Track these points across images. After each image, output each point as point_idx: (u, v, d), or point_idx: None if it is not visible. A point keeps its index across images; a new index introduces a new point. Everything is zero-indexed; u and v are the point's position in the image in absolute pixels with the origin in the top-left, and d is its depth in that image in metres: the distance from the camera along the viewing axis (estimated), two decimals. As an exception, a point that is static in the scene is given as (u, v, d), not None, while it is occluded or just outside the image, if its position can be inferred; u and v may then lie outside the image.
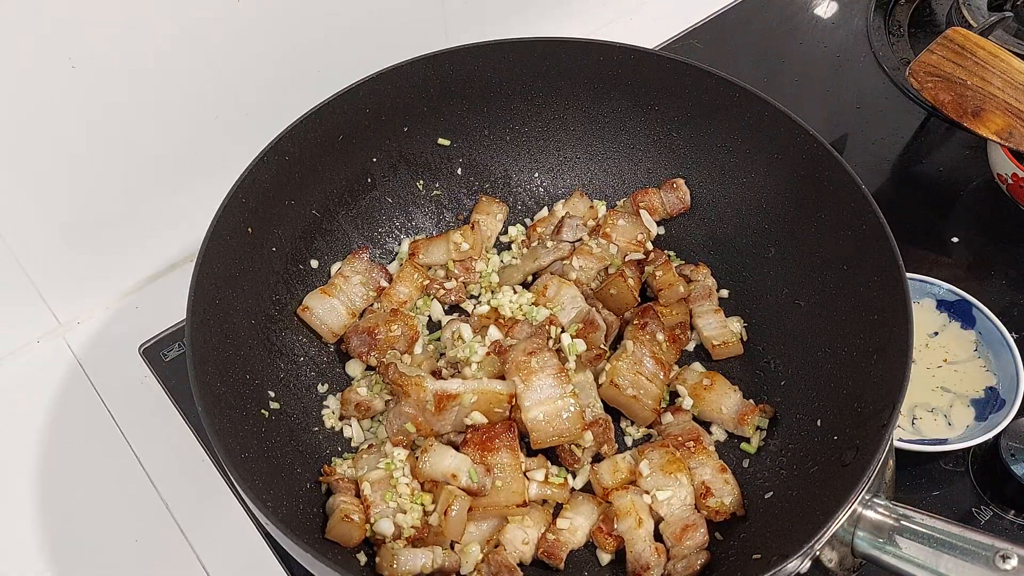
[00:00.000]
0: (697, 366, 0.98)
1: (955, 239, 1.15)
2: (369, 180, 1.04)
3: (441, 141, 1.07)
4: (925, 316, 1.02)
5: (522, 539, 0.84)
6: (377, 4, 1.10)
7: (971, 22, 1.32)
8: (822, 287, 0.93)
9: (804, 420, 0.89)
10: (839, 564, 0.74)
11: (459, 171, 1.09)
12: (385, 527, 0.81)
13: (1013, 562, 0.66)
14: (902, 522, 0.71)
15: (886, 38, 1.39)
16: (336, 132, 0.98)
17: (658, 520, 0.85)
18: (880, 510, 0.72)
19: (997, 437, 0.91)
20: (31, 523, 0.95)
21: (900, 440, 0.92)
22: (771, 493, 0.87)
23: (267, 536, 0.92)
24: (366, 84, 0.98)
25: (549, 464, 0.90)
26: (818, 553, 0.72)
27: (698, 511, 0.85)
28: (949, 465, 0.95)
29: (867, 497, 0.72)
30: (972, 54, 1.11)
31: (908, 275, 1.02)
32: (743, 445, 0.92)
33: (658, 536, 0.85)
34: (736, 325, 0.99)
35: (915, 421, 0.96)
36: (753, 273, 1.01)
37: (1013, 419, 0.91)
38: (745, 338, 0.99)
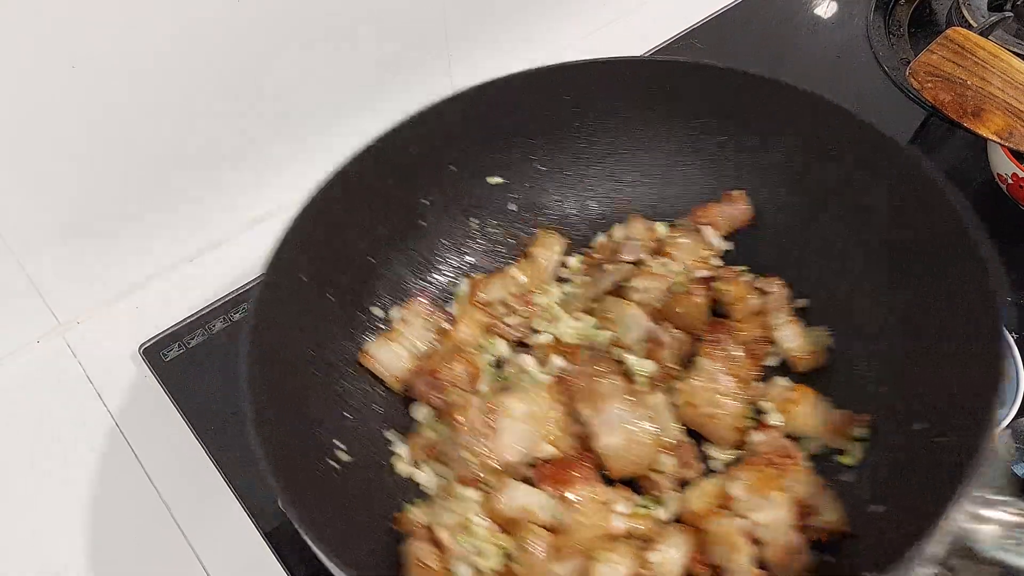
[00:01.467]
0: (782, 380, 0.93)
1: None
2: (422, 223, 1.01)
3: (490, 180, 1.04)
4: (925, 316, 1.02)
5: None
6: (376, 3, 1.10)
7: (971, 22, 1.32)
8: (904, 281, 0.89)
9: (902, 424, 0.84)
10: (963, 572, 0.68)
11: (512, 207, 1.06)
12: (463, 572, 0.78)
13: None
14: None
15: (886, 38, 1.39)
16: (384, 175, 0.96)
17: (757, 544, 0.79)
18: (1001, 506, 0.67)
19: (997, 437, 0.91)
20: (30, 523, 0.95)
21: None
22: (878, 507, 0.80)
23: (267, 536, 0.92)
24: (408, 125, 0.95)
25: (633, 494, 0.85)
26: (938, 559, 0.66)
27: (800, 531, 0.80)
28: (949, 465, 0.95)
29: (983, 495, 0.67)
30: (972, 54, 1.11)
31: (908, 275, 1.02)
32: (840, 458, 0.86)
33: (760, 563, 0.79)
34: (818, 334, 0.95)
35: (915, 421, 0.96)
36: (831, 278, 0.97)
37: (1013, 419, 0.91)
38: (831, 346, 0.94)
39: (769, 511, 0.79)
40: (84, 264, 1.07)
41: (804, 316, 0.97)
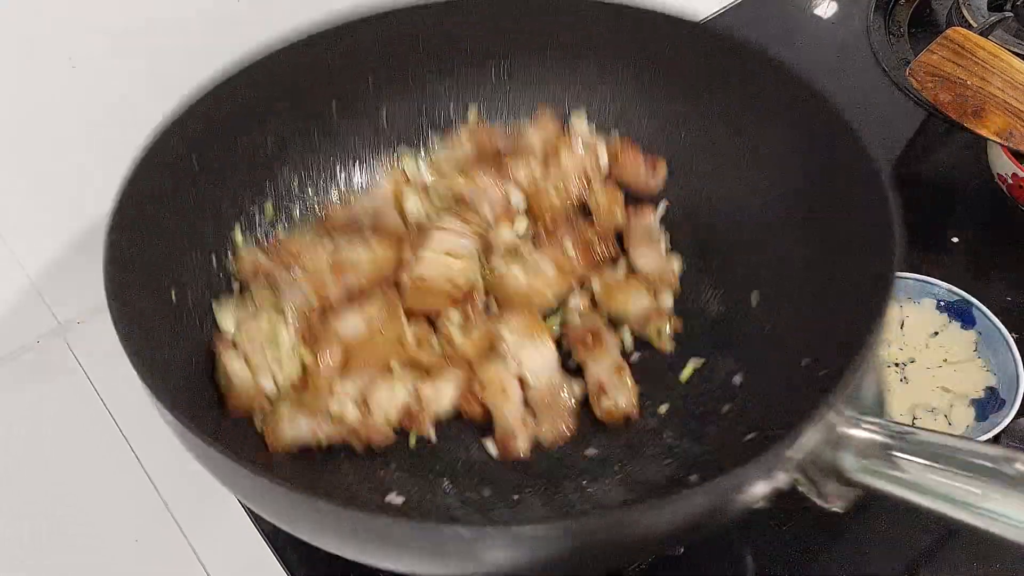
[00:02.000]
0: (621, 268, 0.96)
1: (955, 239, 1.15)
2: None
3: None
4: (925, 316, 1.02)
5: (389, 399, 0.81)
6: None
7: (971, 22, 1.32)
8: (800, 207, 0.90)
9: (786, 359, 0.83)
10: (833, 493, 0.65)
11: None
12: (265, 382, 0.81)
13: (1020, 466, 0.58)
14: (899, 440, 0.62)
15: (886, 38, 1.39)
16: (297, 75, 0.94)
17: (524, 387, 0.84)
18: (868, 427, 0.63)
19: (997, 437, 0.91)
20: (30, 523, 0.95)
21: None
22: (743, 423, 0.82)
23: (267, 536, 0.92)
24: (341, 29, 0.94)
25: (430, 330, 0.89)
26: (790, 476, 0.64)
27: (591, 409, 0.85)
28: (949, 465, 0.95)
29: (852, 415, 0.64)
30: (972, 54, 1.11)
31: (908, 275, 1.03)
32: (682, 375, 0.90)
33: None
34: (675, 262, 0.96)
35: (915, 421, 0.96)
36: (733, 211, 0.98)
37: (1013, 419, 0.91)
38: (678, 271, 0.96)
39: (535, 353, 0.84)
40: (84, 264, 1.07)
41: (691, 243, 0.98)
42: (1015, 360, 0.94)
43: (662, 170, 1.03)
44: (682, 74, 1.00)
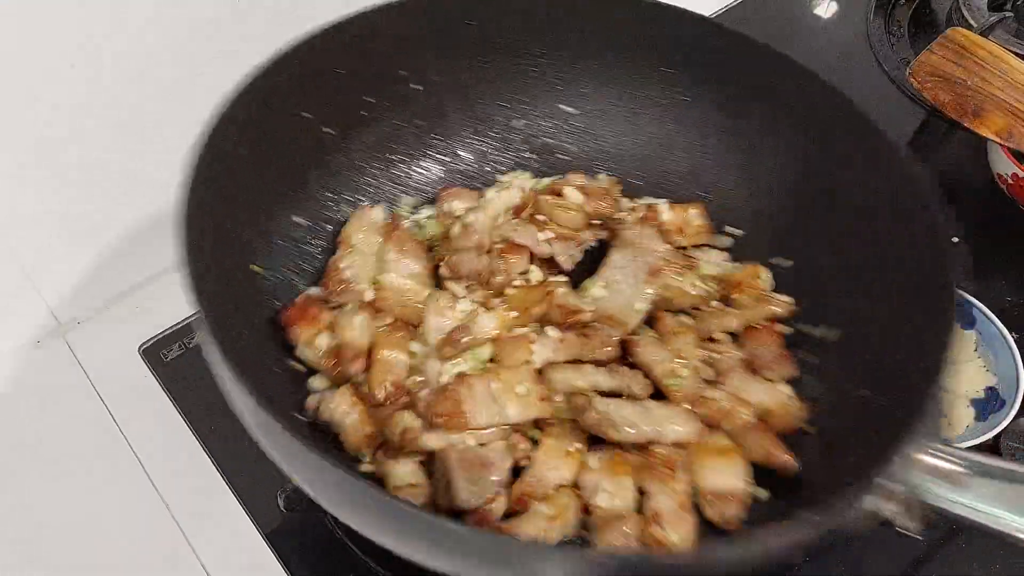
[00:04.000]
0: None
1: (955, 239, 1.15)
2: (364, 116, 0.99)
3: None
4: (925, 316, 1.02)
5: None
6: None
7: (971, 22, 1.32)
8: (858, 249, 0.89)
9: (848, 392, 0.84)
10: (911, 518, 0.67)
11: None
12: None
13: None
14: (973, 466, 0.66)
15: (886, 38, 1.39)
16: (329, 66, 0.93)
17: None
18: (944, 455, 0.66)
19: (997, 437, 0.91)
20: (30, 523, 0.95)
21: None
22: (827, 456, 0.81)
23: (267, 536, 0.92)
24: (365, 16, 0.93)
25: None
26: (879, 509, 0.66)
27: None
28: (949, 465, 0.95)
29: (927, 444, 0.67)
30: (972, 54, 1.11)
31: (908, 275, 1.02)
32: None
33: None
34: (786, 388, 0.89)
35: (915, 421, 0.96)
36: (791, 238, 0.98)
37: (1013, 419, 0.91)
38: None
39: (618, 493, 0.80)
40: (84, 264, 1.07)
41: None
42: (1015, 360, 0.94)
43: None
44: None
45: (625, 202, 1.04)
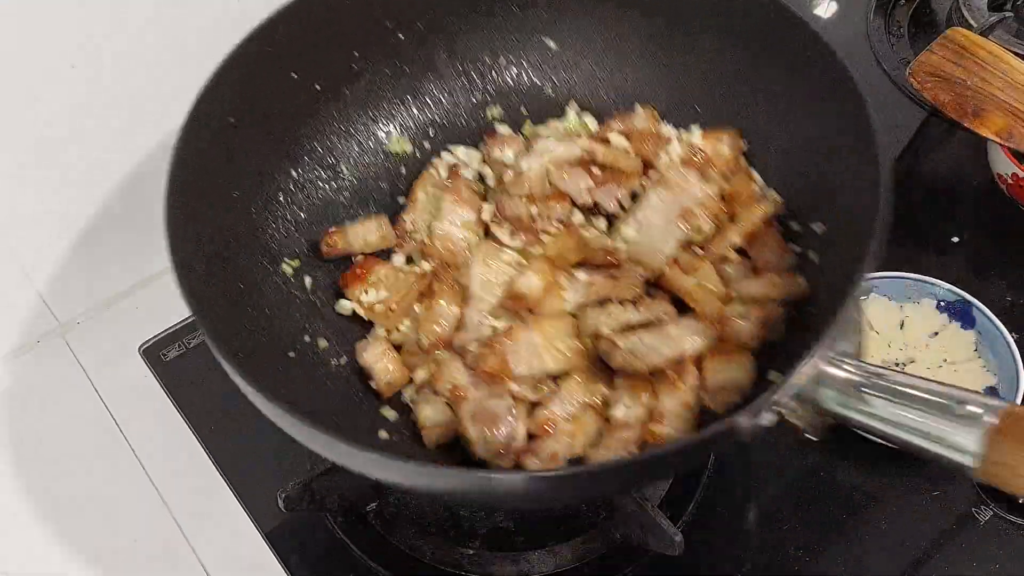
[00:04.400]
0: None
1: (955, 239, 1.15)
2: (354, 68, 1.00)
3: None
4: (925, 316, 1.02)
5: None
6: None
7: (971, 22, 1.32)
8: (810, 170, 0.92)
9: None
10: (808, 423, 0.74)
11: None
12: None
13: (971, 407, 0.67)
14: (869, 379, 0.71)
15: (886, 38, 1.39)
16: (317, 26, 0.94)
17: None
18: (847, 367, 0.72)
19: (997, 437, 0.91)
20: (30, 523, 0.95)
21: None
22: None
23: (267, 536, 0.92)
24: None
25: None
26: (779, 408, 0.71)
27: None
28: (949, 465, 0.95)
29: (831, 355, 0.72)
30: (972, 54, 1.11)
31: (908, 275, 1.03)
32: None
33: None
34: None
35: (915, 421, 0.96)
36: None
37: (1013, 419, 0.91)
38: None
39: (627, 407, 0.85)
40: (84, 264, 1.07)
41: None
42: (1015, 360, 0.94)
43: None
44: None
45: (664, 129, 1.04)
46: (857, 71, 1.30)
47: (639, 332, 0.88)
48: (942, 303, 1.02)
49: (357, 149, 1.03)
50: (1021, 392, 0.92)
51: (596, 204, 0.97)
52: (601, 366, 0.89)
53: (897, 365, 1.00)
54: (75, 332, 1.10)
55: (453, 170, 1.02)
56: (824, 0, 1.46)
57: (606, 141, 1.01)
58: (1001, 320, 0.97)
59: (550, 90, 1.09)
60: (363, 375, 0.88)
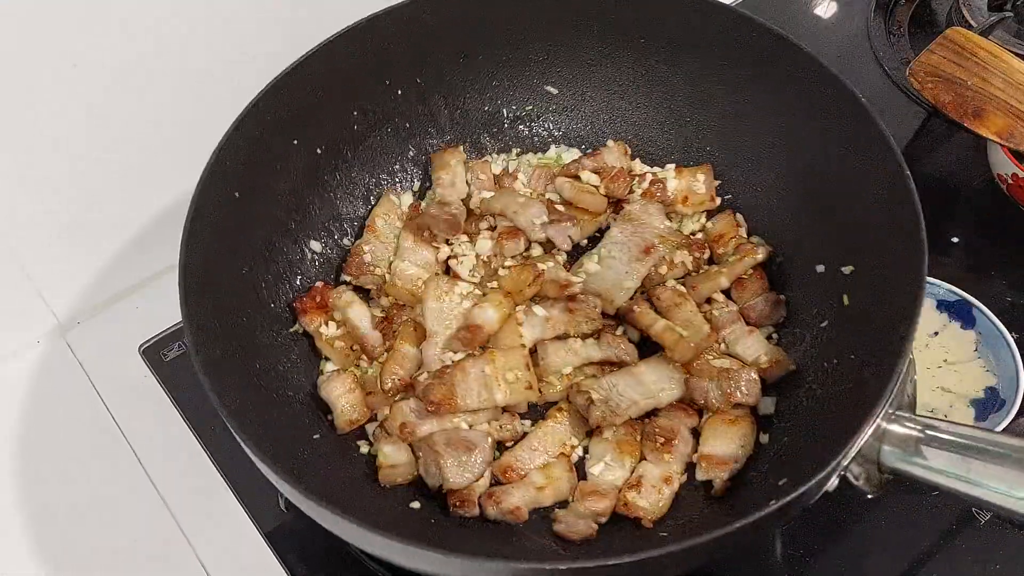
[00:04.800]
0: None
1: (955, 239, 1.15)
2: (355, 132, 1.03)
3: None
4: (925, 316, 1.02)
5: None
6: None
7: (971, 22, 1.32)
8: (825, 208, 0.93)
9: (819, 345, 0.89)
10: (867, 481, 0.73)
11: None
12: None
13: None
14: (928, 432, 0.70)
15: (886, 38, 1.39)
16: (314, 91, 0.96)
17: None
18: (905, 423, 0.71)
19: (997, 437, 0.91)
20: (31, 523, 0.95)
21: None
22: (789, 423, 0.87)
23: (267, 536, 0.92)
24: (340, 39, 0.96)
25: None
26: (844, 472, 0.71)
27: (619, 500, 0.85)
28: (949, 465, 0.95)
29: (890, 411, 0.71)
30: (972, 54, 1.11)
31: (908, 275, 1.02)
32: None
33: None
34: (767, 343, 0.94)
35: (915, 421, 0.96)
36: (751, 203, 1.02)
37: (1013, 419, 0.91)
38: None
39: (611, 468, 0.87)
40: (84, 264, 1.07)
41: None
42: (1015, 360, 0.94)
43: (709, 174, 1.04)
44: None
45: (637, 165, 1.06)
46: (857, 71, 1.31)
47: (610, 377, 0.90)
48: (942, 303, 1.02)
49: (364, 209, 1.05)
50: (1021, 392, 0.92)
51: (549, 240, 0.98)
52: (580, 420, 0.89)
53: (897, 365, 1.00)
54: (75, 332, 1.10)
55: (413, 206, 1.03)
56: (824, 0, 1.46)
57: (576, 178, 1.02)
58: (1001, 320, 0.97)
59: (542, 131, 1.11)
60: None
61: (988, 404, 0.95)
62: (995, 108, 1.08)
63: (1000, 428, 0.90)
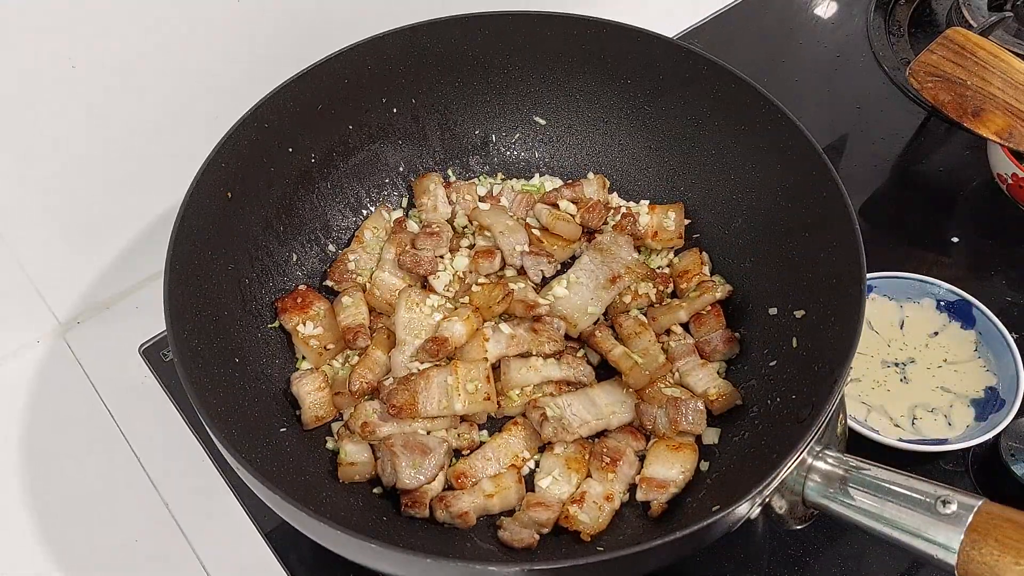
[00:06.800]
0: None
1: (955, 239, 1.15)
2: (348, 144, 1.06)
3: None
4: (925, 316, 1.02)
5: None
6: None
7: (971, 22, 1.32)
8: (785, 254, 0.96)
9: (766, 382, 0.93)
10: (790, 512, 0.77)
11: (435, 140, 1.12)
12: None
13: (953, 507, 0.69)
14: (851, 472, 0.74)
15: (886, 38, 1.39)
16: (315, 102, 1.00)
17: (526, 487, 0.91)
18: (831, 461, 0.75)
19: (997, 437, 0.91)
20: (31, 523, 0.95)
21: (900, 440, 0.92)
22: (729, 453, 0.90)
23: (267, 536, 0.92)
24: (344, 55, 1.00)
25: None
26: (768, 500, 0.74)
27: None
28: (949, 465, 0.95)
29: (818, 449, 0.75)
30: (972, 54, 1.11)
31: (908, 275, 1.03)
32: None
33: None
34: (720, 377, 0.97)
35: (915, 421, 0.96)
36: (718, 243, 1.05)
37: (1013, 419, 0.91)
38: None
39: (557, 482, 0.90)
40: (84, 264, 1.07)
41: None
42: (1015, 360, 0.94)
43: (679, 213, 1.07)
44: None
45: (614, 199, 1.11)
46: (857, 71, 1.31)
47: (567, 396, 0.94)
48: (942, 303, 1.02)
49: (352, 218, 1.09)
50: (1021, 392, 0.92)
51: (524, 269, 1.02)
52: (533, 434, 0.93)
53: (897, 365, 1.00)
54: (75, 332, 1.10)
55: (398, 221, 1.08)
56: (824, 0, 1.46)
57: (555, 206, 1.07)
58: (1001, 320, 0.97)
59: (528, 158, 1.15)
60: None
61: (988, 404, 0.95)
62: (995, 108, 1.08)
63: (1000, 428, 0.91)
